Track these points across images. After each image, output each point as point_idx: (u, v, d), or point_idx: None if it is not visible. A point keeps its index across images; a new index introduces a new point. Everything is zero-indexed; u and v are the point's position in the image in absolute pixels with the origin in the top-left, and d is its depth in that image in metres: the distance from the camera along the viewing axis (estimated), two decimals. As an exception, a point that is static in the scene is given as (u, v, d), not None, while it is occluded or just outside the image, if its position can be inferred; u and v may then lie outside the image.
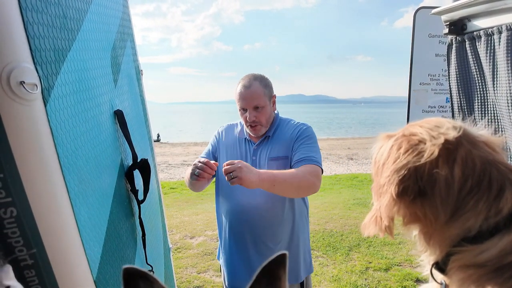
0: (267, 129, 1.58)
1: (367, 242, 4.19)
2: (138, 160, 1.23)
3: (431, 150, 0.54)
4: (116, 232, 1.06)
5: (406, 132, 0.59)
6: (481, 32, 1.47)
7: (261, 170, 1.34)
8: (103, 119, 1.04)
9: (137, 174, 1.27)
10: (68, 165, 0.82)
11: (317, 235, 4.35)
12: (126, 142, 1.20)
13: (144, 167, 1.25)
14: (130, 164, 1.23)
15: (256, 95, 1.47)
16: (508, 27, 1.30)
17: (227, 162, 1.30)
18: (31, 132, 0.72)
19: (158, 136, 21.23)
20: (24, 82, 0.68)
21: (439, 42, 2.69)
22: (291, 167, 1.50)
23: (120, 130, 1.17)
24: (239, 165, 1.28)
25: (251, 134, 1.58)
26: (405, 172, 0.54)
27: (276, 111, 1.65)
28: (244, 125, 1.59)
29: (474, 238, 0.50)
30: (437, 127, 0.57)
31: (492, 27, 1.43)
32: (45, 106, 0.75)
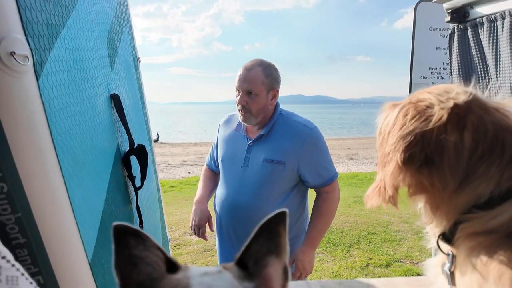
0: (259, 121, 1.45)
1: (367, 239, 4.17)
2: (135, 146, 1.21)
3: (439, 114, 0.51)
4: (113, 218, 1.04)
5: (413, 99, 0.57)
6: (484, 19, 1.45)
7: (307, 248, 1.39)
8: (99, 102, 1.02)
9: (134, 162, 1.24)
10: (62, 143, 0.80)
11: (317, 232, 4.33)
12: (123, 127, 1.17)
13: (141, 153, 1.23)
14: (126, 150, 1.21)
15: (254, 79, 1.38)
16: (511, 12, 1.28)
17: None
18: (23, 106, 0.70)
19: (158, 136, 21.06)
20: (14, 53, 0.66)
21: (440, 36, 2.67)
22: (307, 185, 1.47)
23: (117, 115, 1.15)
24: (304, 274, 1.36)
25: (241, 121, 1.49)
26: (412, 138, 0.52)
27: (278, 107, 1.50)
28: (237, 108, 1.50)
29: (484, 205, 0.48)
30: (446, 92, 0.54)
31: (495, 13, 1.41)
32: (37, 80, 0.73)
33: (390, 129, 0.57)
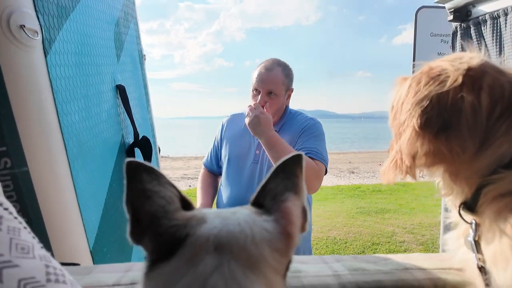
0: (275, 122, 1.46)
1: (371, 250, 4.09)
2: (140, 138, 1.20)
3: (454, 76, 0.50)
4: (116, 206, 1.02)
5: (425, 69, 0.56)
6: (487, 16, 1.46)
7: (273, 133, 1.30)
8: (104, 89, 1.02)
9: (138, 155, 1.23)
10: (68, 124, 0.80)
11: (320, 242, 4.24)
12: (128, 119, 1.17)
13: (146, 146, 1.22)
14: (131, 142, 1.20)
15: (275, 80, 1.37)
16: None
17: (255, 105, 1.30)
18: (31, 80, 0.69)
19: (159, 149, 20.93)
20: (24, 26, 0.66)
21: (441, 41, 2.69)
22: None
23: (122, 105, 1.14)
24: (261, 116, 1.28)
25: None
26: (427, 102, 0.51)
27: (287, 105, 1.52)
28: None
29: (509, 164, 0.46)
30: (459, 58, 0.53)
31: (497, 10, 1.42)
32: (46, 57, 0.73)
33: (403, 100, 0.56)
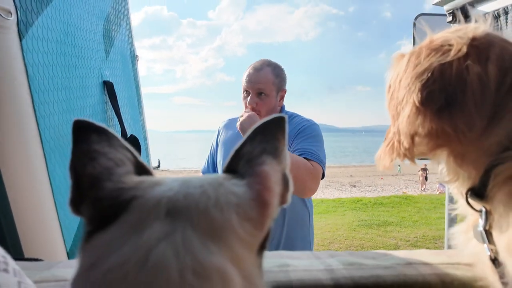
0: None
1: (374, 264, 3.96)
2: (128, 137, 1.15)
3: (458, 45, 0.45)
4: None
5: (425, 42, 0.51)
6: (487, 16, 1.44)
7: None
8: (90, 84, 0.98)
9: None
10: (44, 113, 0.75)
11: (321, 256, 4.12)
12: (116, 117, 1.12)
13: (134, 145, 1.16)
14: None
15: (264, 80, 1.33)
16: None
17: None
18: (3, 63, 0.65)
19: (159, 162, 20.68)
20: (-4, 5, 0.62)
21: (440, 49, 2.66)
22: None
23: (109, 102, 1.10)
24: (253, 116, 1.25)
25: None
26: (429, 75, 0.46)
27: (283, 108, 1.48)
28: (244, 110, 1.48)
29: None
30: (463, 28, 0.49)
31: (497, 9, 1.39)
32: (21, 40, 0.68)
33: (401, 77, 0.51)
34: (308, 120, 1.42)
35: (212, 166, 1.56)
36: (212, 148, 1.56)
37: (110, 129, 0.29)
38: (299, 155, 1.27)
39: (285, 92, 1.43)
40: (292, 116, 1.46)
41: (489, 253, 0.43)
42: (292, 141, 1.34)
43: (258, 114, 1.36)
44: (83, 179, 0.25)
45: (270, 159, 0.28)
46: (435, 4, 1.63)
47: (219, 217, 0.23)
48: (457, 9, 1.55)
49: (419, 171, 10.52)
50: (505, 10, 1.36)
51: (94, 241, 0.23)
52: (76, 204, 0.26)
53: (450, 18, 1.57)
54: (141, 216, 0.23)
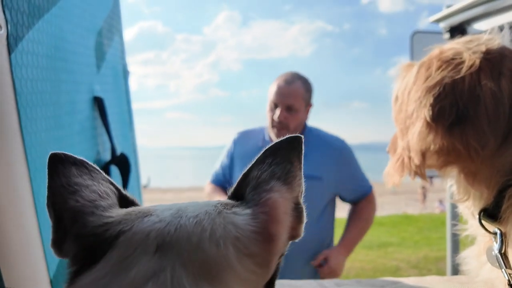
0: None
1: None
2: (118, 155, 1.11)
3: (471, 60, 0.44)
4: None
5: (434, 53, 0.50)
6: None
7: (343, 249, 1.25)
8: (80, 99, 0.95)
9: (116, 174, 1.13)
10: (30, 130, 0.71)
11: (315, 276, 4.03)
12: (106, 133, 1.09)
13: (122, 163, 1.12)
14: (108, 160, 1.11)
15: (296, 94, 1.28)
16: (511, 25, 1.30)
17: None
18: (-12, 78, 0.61)
19: (149, 180, 19.95)
20: (-16, 17, 0.59)
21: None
22: (344, 200, 1.40)
23: (100, 119, 1.07)
24: (332, 274, 1.21)
25: (273, 138, 1.35)
26: (441, 90, 0.44)
27: (306, 122, 1.45)
28: (269, 127, 1.36)
29: None
30: (475, 40, 0.48)
31: (493, 28, 1.43)
32: (9, 54, 0.65)
33: (410, 88, 0.49)
34: (338, 139, 1.43)
35: (223, 176, 1.48)
36: (223, 162, 1.48)
37: (90, 162, 0.26)
38: (361, 193, 1.34)
39: (312, 106, 1.41)
40: (316, 131, 1.42)
41: (507, 278, 0.40)
42: (338, 164, 1.35)
43: (286, 129, 1.33)
44: (65, 215, 0.23)
45: (279, 185, 0.25)
46: (434, 21, 1.67)
47: (214, 253, 0.20)
48: (454, 26, 1.58)
49: (421, 188, 10.66)
50: (500, 28, 1.40)
51: (79, 283, 0.20)
52: (60, 243, 0.23)
53: (447, 36, 1.60)
54: (128, 252, 0.20)
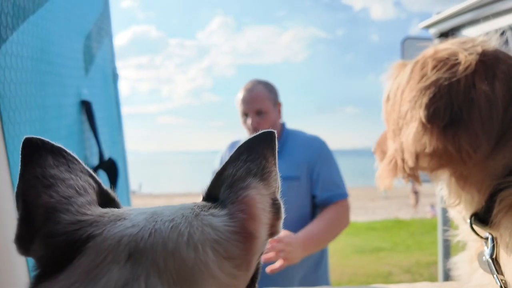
0: None
1: (363, 290, 3.87)
2: (106, 160, 1.09)
3: (467, 61, 0.44)
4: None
5: (429, 52, 0.49)
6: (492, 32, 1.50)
7: (300, 236, 1.11)
8: (67, 103, 0.93)
9: (103, 179, 1.11)
10: (13, 134, 0.69)
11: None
12: (94, 137, 1.06)
13: (111, 168, 1.10)
14: (96, 164, 1.08)
15: (259, 98, 1.32)
16: (501, 31, 1.32)
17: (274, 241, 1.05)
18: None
19: (140, 186, 19.78)
20: (-35, 17, 0.57)
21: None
22: (315, 201, 1.31)
23: (87, 123, 1.04)
24: (281, 255, 1.03)
25: None
26: (436, 90, 0.44)
27: (283, 125, 1.45)
28: (248, 135, 1.43)
29: None
30: (470, 41, 0.48)
31: (482, 34, 1.45)
32: (-9, 56, 0.64)
33: (404, 88, 0.49)
34: (316, 138, 1.41)
35: None
36: (216, 169, 1.47)
37: (68, 150, 0.24)
38: (331, 196, 1.28)
39: (281, 105, 1.44)
40: (295, 134, 1.43)
41: (499, 284, 0.40)
42: (315, 163, 1.32)
43: None
44: (36, 210, 0.21)
45: (256, 182, 0.24)
46: (424, 27, 1.68)
47: (191, 259, 0.19)
48: (444, 32, 1.60)
49: (413, 193, 10.70)
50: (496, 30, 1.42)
51: None
52: (25, 241, 0.21)
53: (437, 41, 1.62)
54: (98, 260, 0.19)
